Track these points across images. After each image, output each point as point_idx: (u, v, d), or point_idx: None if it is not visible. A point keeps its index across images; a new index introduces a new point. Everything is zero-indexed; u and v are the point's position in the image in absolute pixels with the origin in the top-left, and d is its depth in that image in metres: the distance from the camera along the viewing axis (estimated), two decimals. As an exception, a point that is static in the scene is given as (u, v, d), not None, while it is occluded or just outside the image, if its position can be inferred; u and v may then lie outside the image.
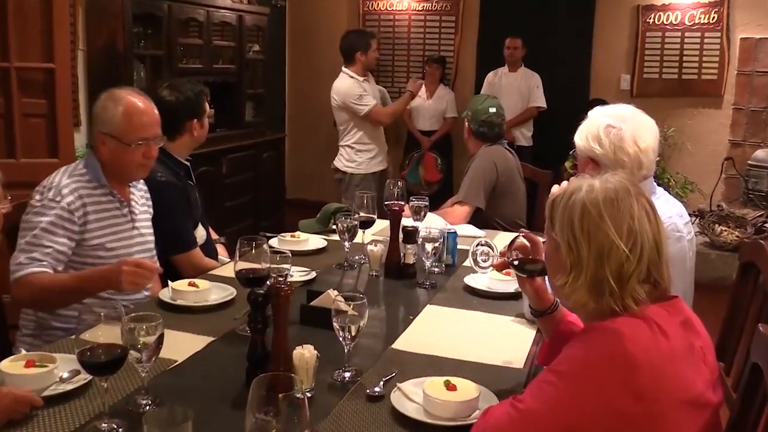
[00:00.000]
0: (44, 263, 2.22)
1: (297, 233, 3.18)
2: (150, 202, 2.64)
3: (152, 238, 2.58)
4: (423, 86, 6.95)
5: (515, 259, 1.81)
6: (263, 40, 6.52)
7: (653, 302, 1.43)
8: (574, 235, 1.44)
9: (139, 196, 2.58)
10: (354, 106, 4.87)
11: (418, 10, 7.44)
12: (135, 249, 2.46)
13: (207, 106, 2.94)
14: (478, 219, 3.55)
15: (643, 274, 1.42)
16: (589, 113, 2.23)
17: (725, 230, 5.56)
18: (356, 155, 4.99)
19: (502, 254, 1.92)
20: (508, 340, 2.15)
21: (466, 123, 3.77)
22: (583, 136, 2.19)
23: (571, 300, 1.48)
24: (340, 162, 5.06)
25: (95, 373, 1.56)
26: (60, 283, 2.20)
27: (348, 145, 5.00)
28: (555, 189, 2.22)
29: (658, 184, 2.30)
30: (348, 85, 4.88)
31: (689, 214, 2.34)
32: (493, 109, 3.72)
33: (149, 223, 2.58)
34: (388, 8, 7.52)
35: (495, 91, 6.41)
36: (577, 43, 6.90)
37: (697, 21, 6.57)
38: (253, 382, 1.22)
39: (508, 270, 2.55)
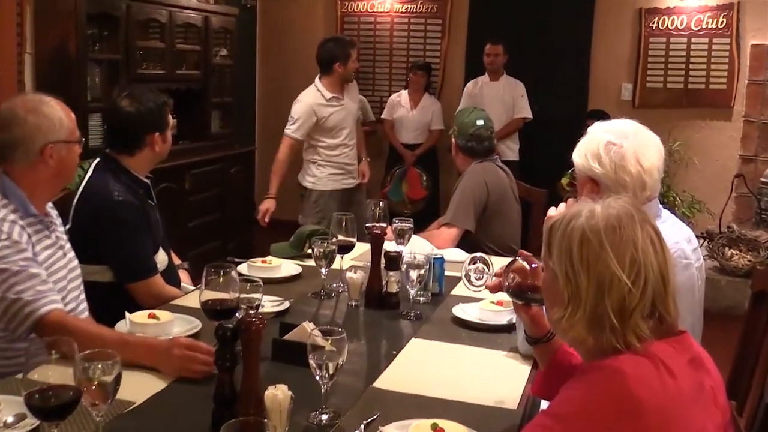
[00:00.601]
0: (52, 296, 2.22)
1: (268, 258, 3.17)
2: (59, 220, 2.58)
3: (76, 260, 2.56)
4: (407, 95, 7.01)
5: (512, 285, 1.83)
6: (231, 43, 6.54)
7: (659, 338, 1.44)
8: (572, 265, 1.45)
9: (54, 215, 2.52)
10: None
11: (402, 12, 7.51)
12: (69, 278, 2.43)
13: (170, 118, 2.95)
14: (467, 242, 3.57)
15: (647, 308, 1.43)
16: (589, 129, 2.26)
17: (736, 254, 5.63)
18: (316, 170, 4.98)
19: (498, 275, 1.93)
20: (500, 378, 2.15)
21: (453, 139, 3.81)
22: (581, 154, 2.22)
23: (569, 335, 1.49)
24: (301, 176, 5.07)
25: (44, 418, 1.55)
26: (99, 338, 2.08)
27: (309, 160, 5.00)
28: (552, 211, 2.25)
29: (663, 204, 2.32)
30: (300, 101, 4.87)
31: (696, 236, 2.37)
32: (480, 122, 3.76)
33: (68, 243, 2.55)
34: (369, 10, 7.58)
35: (476, 102, 6.47)
36: (574, 49, 7.00)
37: (704, 26, 6.68)
38: (222, 429, 1.22)
39: (500, 299, 2.60)
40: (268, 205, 4.85)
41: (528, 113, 6.69)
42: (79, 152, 2.45)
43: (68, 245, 2.51)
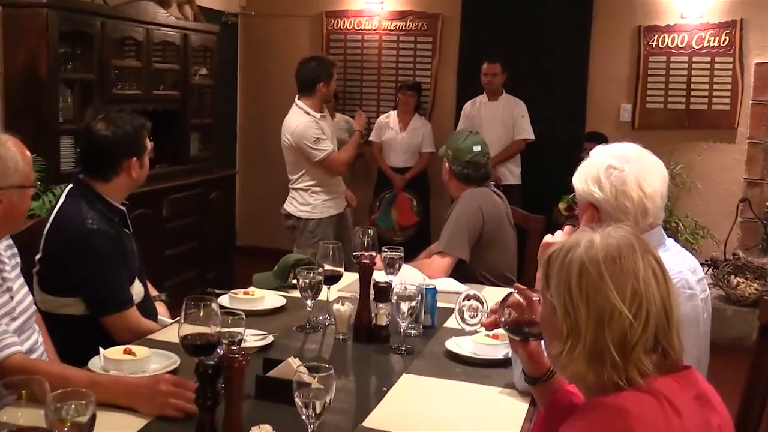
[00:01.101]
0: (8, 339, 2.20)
1: (251, 289, 3.16)
2: (16, 251, 2.56)
3: (30, 298, 2.54)
4: (396, 117, 7.04)
5: (509, 321, 1.83)
6: (211, 62, 6.58)
7: (663, 374, 1.45)
8: (571, 298, 1.46)
9: (3, 248, 2.48)
10: (309, 150, 4.82)
11: (390, 30, 7.57)
12: (21, 319, 2.41)
13: (148, 142, 2.95)
14: (461, 272, 3.58)
15: (650, 342, 1.44)
16: (591, 152, 2.28)
17: (742, 282, 5.65)
18: (311, 197, 4.96)
19: (492, 311, 1.94)
20: (496, 416, 2.15)
21: (447, 164, 3.82)
22: (582, 179, 2.24)
23: (568, 371, 1.49)
24: (292, 206, 5.00)
25: (13, 461, 1.54)
26: (64, 379, 2.00)
27: (301, 188, 4.98)
28: (548, 238, 2.27)
29: (665, 230, 2.34)
30: (304, 125, 4.82)
31: (701, 264, 2.39)
32: (477, 147, 3.77)
33: (22, 280, 2.53)
34: (356, 27, 7.64)
35: (475, 124, 6.50)
36: (571, 68, 7.06)
37: (706, 44, 6.75)
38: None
39: (495, 332, 2.60)
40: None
41: (530, 134, 6.71)
42: (32, 195, 2.42)
43: (19, 282, 2.47)
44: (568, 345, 1.46)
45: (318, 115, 4.88)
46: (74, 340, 2.59)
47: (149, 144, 2.96)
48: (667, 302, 1.47)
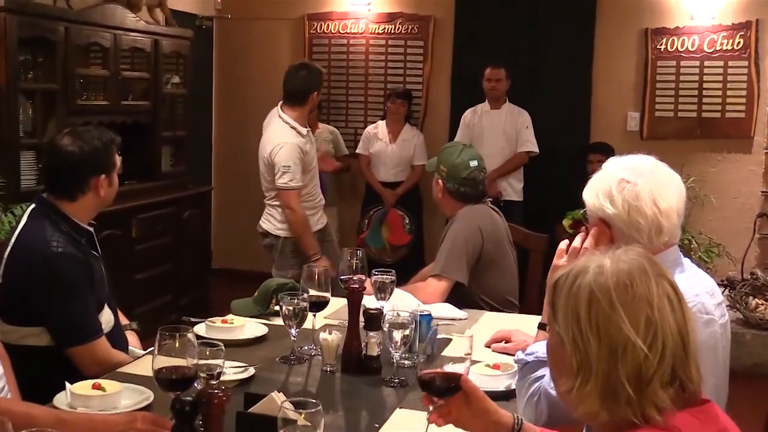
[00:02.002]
0: None
1: (229, 317, 3.16)
2: None
3: None
4: (385, 127, 7.05)
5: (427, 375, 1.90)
6: (185, 70, 6.59)
7: (681, 409, 1.45)
8: (580, 330, 1.46)
9: None
10: (278, 169, 4.74)
11: (378, 34, 7.59)
12: None
13: (117, 158, 2.95)
14: (459, 296, 3.57)
15: (667, 375, 1.44)
16: (603, 165, 2.29)
17: (761, 304, 5.67)
18: None
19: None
20: (499, 453, 2.14)
21: (440, 181, 3.80)
22: (593, 193, 2.25)
23: (580, 409, 1.49)
24: (269, 223, 4.94)
25: None
26: (27, 418, 2.03)
27: (278, 204, 4.88)
28: (558, 261, 2.28)
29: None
30: (289, 148, 4.74)
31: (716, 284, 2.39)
32: (474, 162, 3.77)
33: None
34: (341, 31, 7.66)
35: (475, 134, 6.51)
36: (573, 74, 7.09)
37: (718, 47, 6.79)
38: None
39: (497, 363, 2.61)
40: (325, 265, 4.30)
41: (533, 146, 6.70)
42: None
43: None
44: (579, 381, 1.46)
45: (304, 131, 4.84)
46: (38, 373, 2.58)
47: (118, 160, 2.96)
48: (684, 331, 1.47)
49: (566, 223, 5.64)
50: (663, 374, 1.43)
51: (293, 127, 4.79)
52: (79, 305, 2.75)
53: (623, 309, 1.44)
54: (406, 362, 2.74)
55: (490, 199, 3.99)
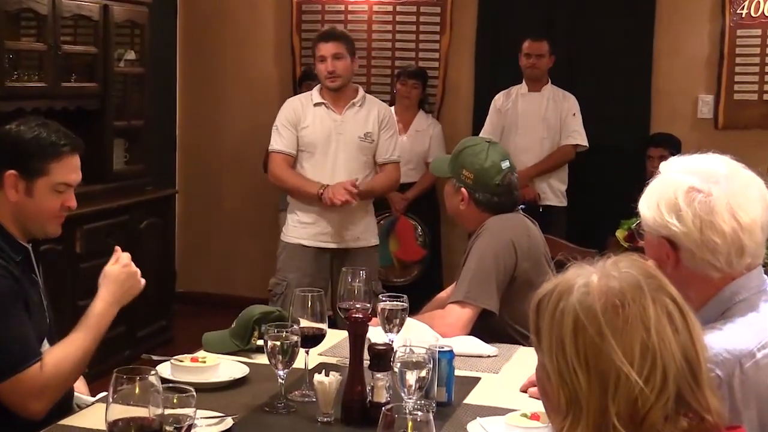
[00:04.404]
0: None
1: (200, 354, 3.16)
2: None
3: None
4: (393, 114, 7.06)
5: None
6: (142, 43, 6.61)
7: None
8: (566, 362, 1.50)
9: None
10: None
11: (384, 1, 7.57)
12: None
13: (59, 169, 3.02)
14: (487, 327, 3.55)
15: (671, 407, 1.47)
16: (661, 167, 2.26)
17: None
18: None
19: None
20: None
21: (463, 190, 3.73)
22: (652, 204, 2.19)
23: None
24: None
25: None
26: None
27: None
28: None
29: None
30: (286, 103, 5.28)
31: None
32: (506, 163, 3.69)
33: None
34: (338, -3, 7.65)
35: (508, 122, 6.52)
36: (630, 50, 7.07)
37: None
38: None
39: (534, 412, 2.61)
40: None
41: (582, 139, 6.66)
42: None
43: None
44: (569, 420, 1.51)
45: (317, 98, 5.17)
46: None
47: (63, 173, 2.97)
48: (691, 354, 1.50)
49: (620, 234, 5.66)
50: (665, 406, 1.48)
51: (310, 94, 5.24)
52: (9, 336, 2.73)
53: (614, 336, 1.49)
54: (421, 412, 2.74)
55: (523, 206, 3.96)
